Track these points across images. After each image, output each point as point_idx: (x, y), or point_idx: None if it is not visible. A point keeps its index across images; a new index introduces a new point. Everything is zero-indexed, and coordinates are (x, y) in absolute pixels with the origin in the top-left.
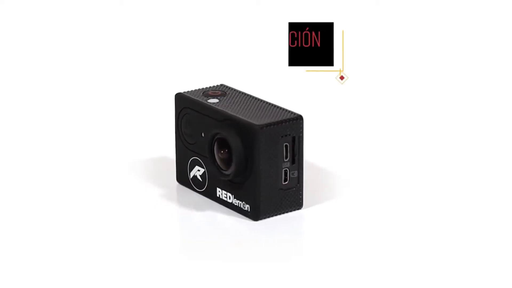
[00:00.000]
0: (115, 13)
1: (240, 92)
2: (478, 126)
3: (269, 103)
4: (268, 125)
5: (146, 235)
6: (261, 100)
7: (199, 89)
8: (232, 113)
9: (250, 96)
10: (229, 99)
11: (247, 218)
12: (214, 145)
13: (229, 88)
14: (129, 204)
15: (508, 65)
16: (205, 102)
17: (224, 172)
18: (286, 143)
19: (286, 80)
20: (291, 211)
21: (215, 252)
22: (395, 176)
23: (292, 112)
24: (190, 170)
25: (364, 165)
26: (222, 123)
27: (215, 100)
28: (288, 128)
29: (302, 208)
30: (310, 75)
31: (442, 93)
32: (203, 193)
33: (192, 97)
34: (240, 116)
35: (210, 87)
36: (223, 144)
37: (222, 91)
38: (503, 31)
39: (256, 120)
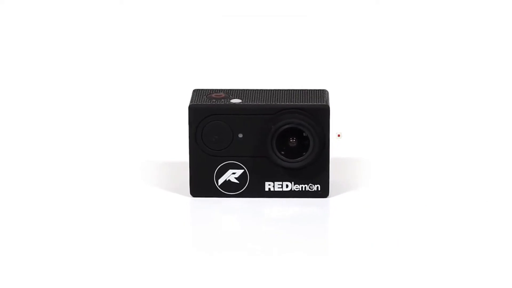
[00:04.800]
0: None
1: (239, 89)
2: (476, 121)
3: (285, 89)
4: (327, 103)
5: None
6: (275, 90)
7: (195, 96)
8: (285, 103)
9: (257, 90)
10: (246, 96)
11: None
12: (274, 139)
13: (216, 89)
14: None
15: (508, 65)
16: (234, 103)
17: (293, 161)
18: None
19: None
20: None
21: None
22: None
23: (318, 90)
24: (218, 177)
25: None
26: (276, 116)
27: (238, 100)
28: (328, 104)
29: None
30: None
31: (442, 94)
32: (240, 195)
33: (215, 103)
34: (299, 103)
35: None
36: (288, 134)
37: (224, 92)
38: (503, 31)
39: (313, 102)
